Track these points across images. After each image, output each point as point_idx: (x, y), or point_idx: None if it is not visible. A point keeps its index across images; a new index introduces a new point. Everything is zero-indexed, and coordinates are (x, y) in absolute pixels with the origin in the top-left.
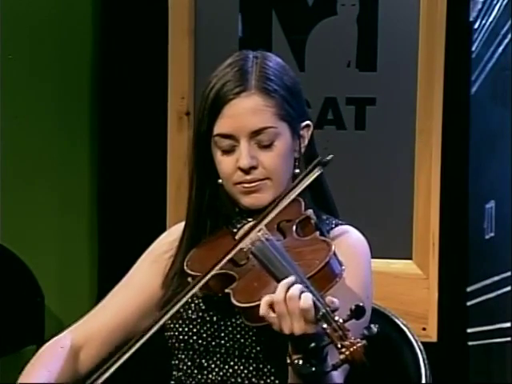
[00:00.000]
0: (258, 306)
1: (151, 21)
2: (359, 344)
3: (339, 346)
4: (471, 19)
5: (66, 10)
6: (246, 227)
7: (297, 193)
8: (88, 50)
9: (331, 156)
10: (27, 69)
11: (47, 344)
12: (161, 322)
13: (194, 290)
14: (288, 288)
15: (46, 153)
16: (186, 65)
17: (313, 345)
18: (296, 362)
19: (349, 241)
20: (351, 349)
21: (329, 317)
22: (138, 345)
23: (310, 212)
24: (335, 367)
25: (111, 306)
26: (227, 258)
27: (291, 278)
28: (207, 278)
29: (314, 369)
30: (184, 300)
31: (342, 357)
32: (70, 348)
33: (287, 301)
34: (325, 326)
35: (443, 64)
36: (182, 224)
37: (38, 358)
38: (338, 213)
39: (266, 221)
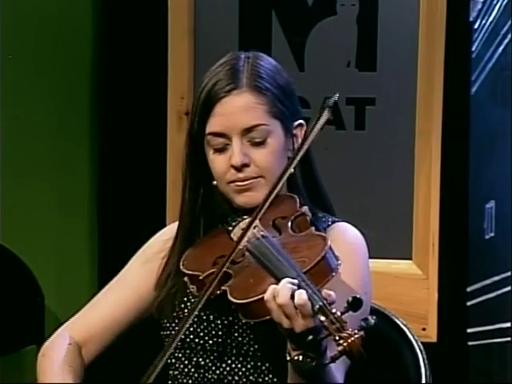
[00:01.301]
0: (255, 301)
1: (151, 21)
2: (356, 335)
3: (337, 338)
4: (471, 19)
5: (66, 9)
6: (242, 224)
7: (307, 145)
8: (88, 50)
9: (337, 95)
10: (27, 69)
11: (51, 342)
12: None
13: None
14: (277, 294)
15: (46, 153)
16: (185, 65)
17: (310, 337)
18: (296, 358)
19: (346, 237)
20: (349, 340)
21: (326, 309)
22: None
23: (305, 209)
24: (333, 359)
25: (106, 303)
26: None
27: (277, 285)
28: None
29: (314, 364)
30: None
31: (339, 348)
32: (75, 343)
33: (280, 306)
34: (322, 318)
35: (443, 64)
36: (176, 224)
37: (52, 356)
38: (334, 211)
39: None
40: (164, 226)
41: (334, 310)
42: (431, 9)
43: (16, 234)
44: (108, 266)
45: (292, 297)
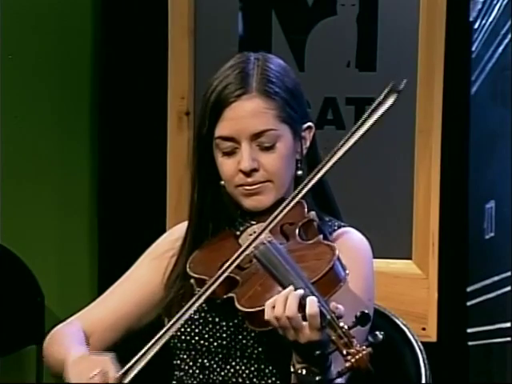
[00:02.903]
0: (262, 310)
1: (151, 20)
2: (365, 352)
3: (345, 353)
4: (471, 19)
5: (66, 9)
6: (250, 230)
7: (364, 129)
8: (88, 50)
9: (405, 80)
10: (27, 69)
11: (59, 327)
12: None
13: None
14: (285, 302)
15: (46, 153)
16: (185, 65)
17: (318, 352)
18: (300, 371)
19: (351, 243)
20: (357, 356)
21: (334, 323)
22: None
23: (313, 214)
24: (340, 374)
25: (113, 299)
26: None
27: (287, 290)
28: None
29: (317, 378)
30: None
31: (347, 364)
32: (84, 332)
33: (288, 318)
34: (330, 332)
35: (443, 64)
36: (184, 224)
37: (61, 336)
38: (341, 215)
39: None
40: (164, 226)
41: (341, 324)
42: (431, 9)
43: (16, 234)
44: (108, 266)
45: (300, 307)
